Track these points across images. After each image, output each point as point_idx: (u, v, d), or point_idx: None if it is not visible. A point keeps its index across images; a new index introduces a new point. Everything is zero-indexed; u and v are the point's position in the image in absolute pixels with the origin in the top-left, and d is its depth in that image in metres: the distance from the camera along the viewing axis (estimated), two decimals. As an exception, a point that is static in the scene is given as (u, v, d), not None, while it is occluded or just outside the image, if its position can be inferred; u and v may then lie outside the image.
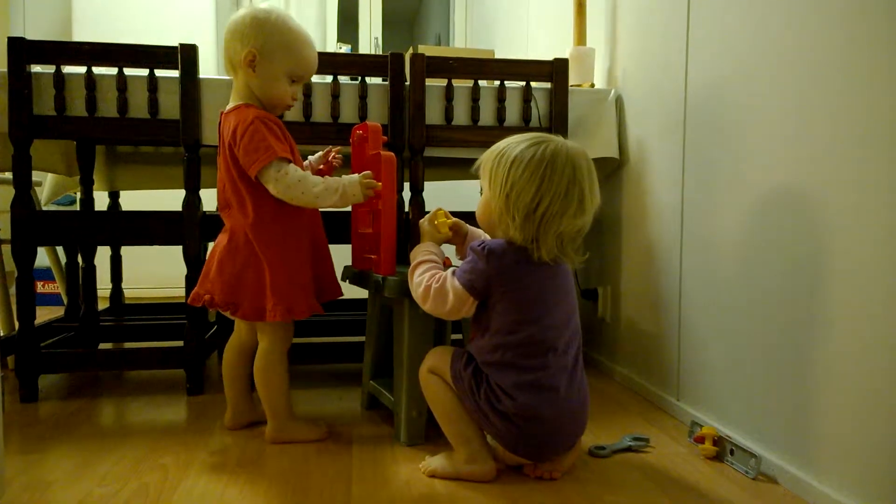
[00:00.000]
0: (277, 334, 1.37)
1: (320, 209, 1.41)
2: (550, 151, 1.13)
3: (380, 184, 1.33)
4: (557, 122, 1.76)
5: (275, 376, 1.38)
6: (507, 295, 1.16)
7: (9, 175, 1.65)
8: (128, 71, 1.61)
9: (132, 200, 2.34)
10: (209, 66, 3.01)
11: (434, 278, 1.20)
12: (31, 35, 1.75)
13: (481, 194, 1.25)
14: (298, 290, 1.34)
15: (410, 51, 1.88)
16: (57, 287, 2.50)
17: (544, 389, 1.14)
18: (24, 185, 1.60)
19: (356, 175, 1.33)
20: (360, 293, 1.71)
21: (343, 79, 1.71)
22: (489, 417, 1.16)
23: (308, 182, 1.28)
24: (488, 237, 1.26)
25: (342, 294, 1.48)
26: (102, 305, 2.27)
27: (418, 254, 1.29)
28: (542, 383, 1.14)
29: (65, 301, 2.25)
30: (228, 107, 1.35)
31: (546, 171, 1.12)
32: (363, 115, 1.70)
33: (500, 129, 1.75)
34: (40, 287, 3.34)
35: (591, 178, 1.16)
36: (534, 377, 1.14)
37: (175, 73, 1.62)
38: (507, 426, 1.15)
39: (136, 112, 1.62)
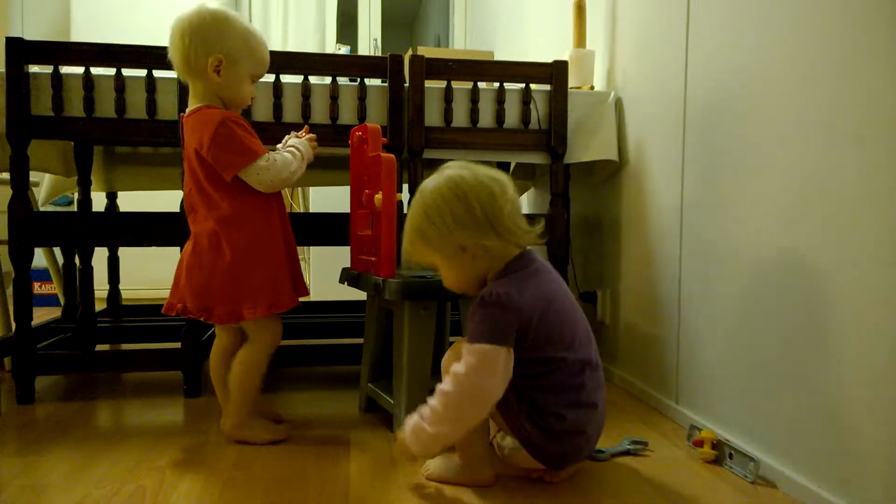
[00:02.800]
0: (268, 331, 1.37)
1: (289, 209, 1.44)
2: (441, 185, 1.14)
3: (313, 135, 1.43)
4: (557, 124, 1.76)
5: (255, 376, 1.37)
6: (536, 333, 1.11)
7: (6, 175, 1.64)
8: (126, 71, 1.61)
9: (130, 201, 2.33)
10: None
11: (442, 393, 1.08)
12: (29, 35, 1.74)
13: (437, 271, 1.22)
14: (279, 285, 1.35)
15: (410, 52, 1.88)
16: (54, 288, 2.49)
17: (587, 406, 1.14)
18: (21, 186, 1.59)
19: (298, 138, 1.40)
20: (358, 295, 1.71)
21: (342, 80, 1.71)
22: (527, 430, 1.13)
23: (288, 160, 1.33)
24: None
25: (308, 293, 1.48)
26: (100, 307, 2.26)
27: (408, 425, 1.12)
28: (585, 401, 1.14)
29: (62, 302, 2.24)
30: (189, 109, 1.33)
31: (457, 192, 1.12)
32: (362, 116, 1.69)
33: (500, 131, 1.75)
34: (37, 288, 3.33)
35: (482, 167, 1.16)
36: (578, 397, 1.13)
37: (173, 74, 1.61)
38: (545, 440, 1.13)
39: (134, 113, 1.62)
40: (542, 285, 1.15)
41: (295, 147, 1.39)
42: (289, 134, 1.46)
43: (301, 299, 1.43)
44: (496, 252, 1.14)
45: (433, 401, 1.10)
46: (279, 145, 1.43)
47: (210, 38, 1.27)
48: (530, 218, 1.18)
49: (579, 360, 1.14)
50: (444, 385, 1.09)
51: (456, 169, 1.16)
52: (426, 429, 1.09)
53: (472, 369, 1.06)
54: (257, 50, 1.34)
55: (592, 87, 1.97)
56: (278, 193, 1.39)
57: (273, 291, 1.33)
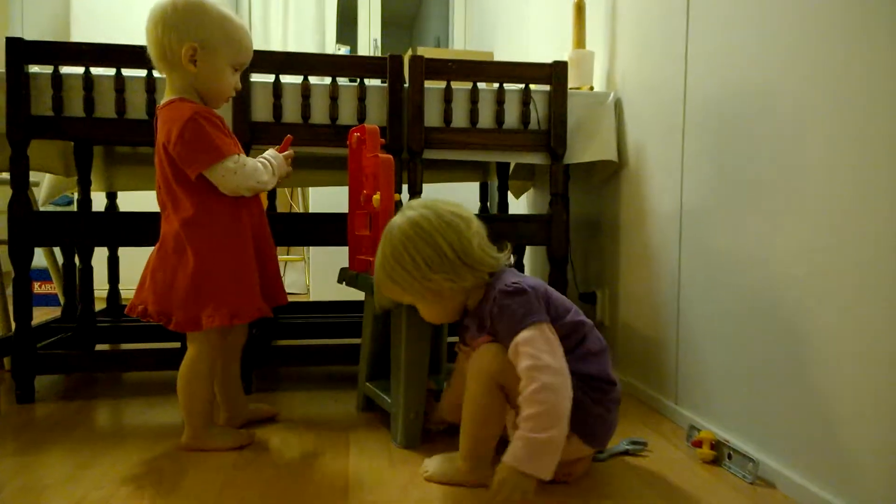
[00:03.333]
0: (210, 342, 1.30)
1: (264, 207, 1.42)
2: (398, 235, 1.16)
3: (291, 151, 1.39)
4: (556, 124, 1.76)
5: (197, 386, 1.30)
6: (556, 305, 1.16)
7: (6, 175, 1.64)
8: (126, 71, 1.61)
9: (130, 201, 2.33)
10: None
11: (534, 392, 1.00)
12: (29, 35, 1.75)
13: (417, 308, 1.23)
14: (244, 293, 1.28)
15: (409, 52, 1.88)
16: (54, 288, 2.49)
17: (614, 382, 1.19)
18: (21, 186, 1.59)
19: (274, 151, 1.37)
20: (356, 295, 1.71)
21: (342, 80, 1.71)
22: (590, 413, 1.13)
23: (259, 170, 1.29)
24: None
25: (286, 301, 1.42)
26: (99, 306, 2.26)
27: (536, 445, 1.00)
28: (609, 361, 1.20)
29: (62, 302, 2.24)
30: (163, 102, 1.28)
31: (417, 234, 1.14)
32: (362, 116, 1.69)
33: (499, 132, 1.75)
34: (37, 288, 3.34)
35: (443, 203, 1.19)
36: (606, 358, 1.20)
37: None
38: (608, 410, 1.16)
39: (134, 113, 1.62)
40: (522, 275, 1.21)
41: (267, 159, 1.33)
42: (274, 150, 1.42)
43: (300, 300, 1.43)
44: (472, 284, 1.17)
45: (527, 411, 0.99)
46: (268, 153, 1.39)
47: (183, 25, 1.20)
48: (495, 242, 1.21)
49: (585, 323, 1.19)
50: (529, 386, 1.00)
51: (419, 210, 1.18)
52: (542, 439, 0.98)
53: (540, 352, 1.02)
54: (235, 36, 1.26)
55: (592, 88, 1.97)
56: (255, 195, 1.34)
57: (236, 300, 1.26)
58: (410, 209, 1.19)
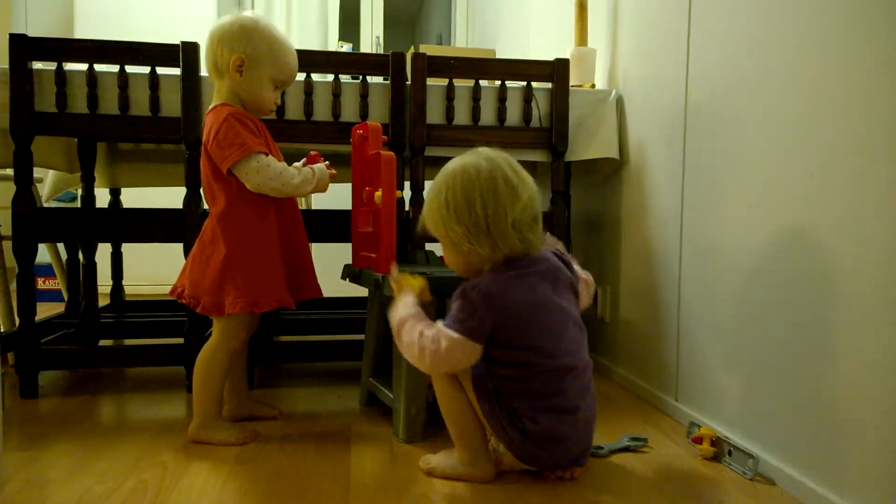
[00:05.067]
0: (232, 330, 1.37)
1: (300, 204, 1.46)
2: (455, 174, 1.15)
3: (335, 171, 1.43)
4: (558, 122, 1.76)
5: (214, 374, 1.36)
6: (514, 336, 1.12)
7: (10, 172, 1.65)
8: (129, 68, 1.62)
9: (133, 197, 2.34)
10: (211, 64, 3.01)
11: (427, 339, 1.09)
12: (33, 32, 1.75)
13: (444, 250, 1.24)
14: (266, 283, 1.34)
15: (412, 50, 1.89)
16: (57, 283, 2.50)
17: (565, 412, 1.13)
18: (25, 182, 1.60)
19: (323, 166, 1.41)
20: (360, 291, 1.71)
21: (344, 78, 1.71)
22: (506, 430, 1.14)
23: (288, 173, 1.34)
24: None
25: (321, 294, 1.47)
26: (103, 302, 2.27)
27: (398, 309, 1.17)
28: (563, 406, 1.13)
29: (65, 297, 2.25)
30: (210, 107, 1.38)
31: (465, 184, 1.13)
32: (364, 114, 1.70)
33: (501, 129, 1.76)
34: (41, 283, 3.35)
35: (510, 166, 1.16)
36: (555, 402, 1.13)
37: (176, 71, 1.63)
38: (523, 441, 1.14)
39: (137, 110, 1.63)
40: (533, 289, 1.14)
41: (311, 169, 1.40)
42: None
43: (310, 298, 1.45)
44: (487, 256, 1.14)
45: (410, 329, 1.12)
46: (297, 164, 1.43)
47: (235, 39, 1.32)
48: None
49: (560, 367, 1.13)
50: (413, 331, 1.11)
51: (481, 158, 1.16)
52: (398, 319, 1.15)
53: (437, 348, 1.09)
54: (281, 55, 1.36)
55: (594, 86, 1.97)
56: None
57: (258, 290, 1.33)
58: (476, 154, 1.17)
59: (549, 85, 1.77)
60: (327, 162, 1.45)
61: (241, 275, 1.32)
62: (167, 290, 1.41)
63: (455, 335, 1.09)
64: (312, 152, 1.47)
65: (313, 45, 3.92)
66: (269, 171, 1.31)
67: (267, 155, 1.33)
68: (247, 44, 1.33)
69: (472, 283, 1.12)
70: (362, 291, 1.62)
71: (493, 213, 1.11)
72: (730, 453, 1.27)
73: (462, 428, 1.19)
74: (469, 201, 1.12)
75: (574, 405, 1.14)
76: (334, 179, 1.44)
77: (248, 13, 1.38)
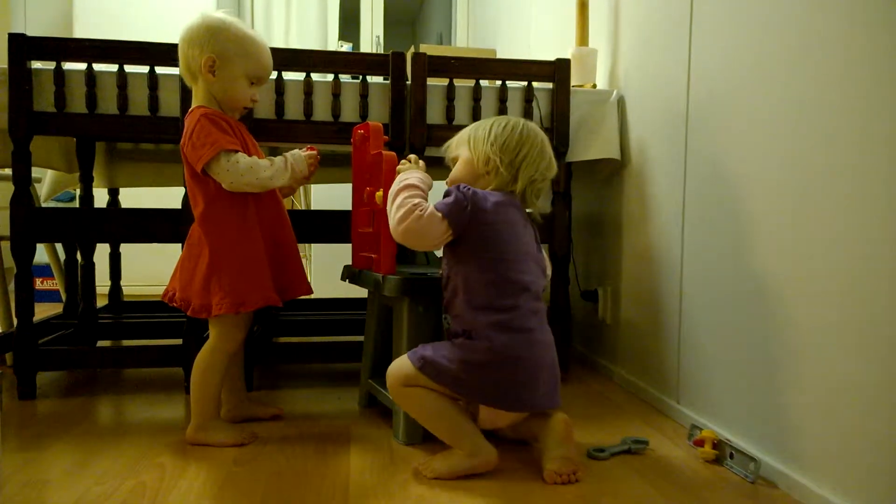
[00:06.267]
0: (226, 331, 1.37)
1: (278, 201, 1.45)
2: (519, 121, 1.31)
3: (317, 154, 1.43)
4: (559, 122, 1.76)
5: (212, 376, 1.37)
6: (484, 233, 1.22)
7: (8, 171, 1.65)
8: (128, 68, 1.61)
9: (132, 198, 2.33)
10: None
11: (419, 207, 1.22)
12: (32, 31, 1.74)
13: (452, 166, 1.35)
14: (251, 282, 1.34)
15: (412, 50, 1.88)
16: (56, 284, 2.49)
17: (518, 331, 1.19)
18: (23, 182, 1.59)
19: (298, 151, 1.41)
20: (359, 292, 1.71)
21: (344, 77, 1.70)
22: (462, 376, 1.18)
23: (259, 167, 1.33)
24: None
25: (311, 292, 1.48)
26: (101, 303, 2.27)
27: (408, 177, 1.28)
28: (516, 325, 1.19)
29: (63, 298, 2.25)
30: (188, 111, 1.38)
31: (523, 130, 1.29)
32: (364, 114, 1.69)
33: (502, 130, 1.75)
34: (39, 284, 3.34)
35: (549, 146, 1.33)
36: (508, 317, 1.19)
37: (175, 71, 1.61)
38: (483, 376, 1.18)
39: (136, 109, 1.62)
40: (509, 212, 1.26)
41: (284, 157, 1.38)
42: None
43: (302, 297, 1.44)
44: (487, 182, 1.29)
45: (409, 196, 1.24)
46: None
47: (203, 39, 1.32)
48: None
49: (518, 282, 1.22)
50: (413, 197, 1.23)
51: (535, 124, 1.33)
52: (406, 181, 1.26)
53: (421, 215, 1.20)
54: (253, 51, 1.36)
55: (595, 86, 1.97)
56: (270, 192, 1.39)
57: (244, 290, 1.32)
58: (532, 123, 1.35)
59: (550, 85, 1.77)
60: (308, 146, 1.44)
61: (226, 276, 1.32)
62: (166, 290, 1.41)
63: (437, 213, 1.21)
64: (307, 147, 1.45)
65: (313, 44, 3.92)
66: (238, 167, 1.30)
67: (237, 151, 1.31)
68: (215, 43, 1.32)
69: (465, 185, 1.25)
70: (362, 292, 1.61)
71: (521, 157, 1.27)
72: (731, 456, 1.26)
73: (451, 424, 1.22)
74: (511, 139, 1.27)
75: (528, 325, 1.21)
76: (314, 161, 1.42)
77: (218, 13, 1.36)
